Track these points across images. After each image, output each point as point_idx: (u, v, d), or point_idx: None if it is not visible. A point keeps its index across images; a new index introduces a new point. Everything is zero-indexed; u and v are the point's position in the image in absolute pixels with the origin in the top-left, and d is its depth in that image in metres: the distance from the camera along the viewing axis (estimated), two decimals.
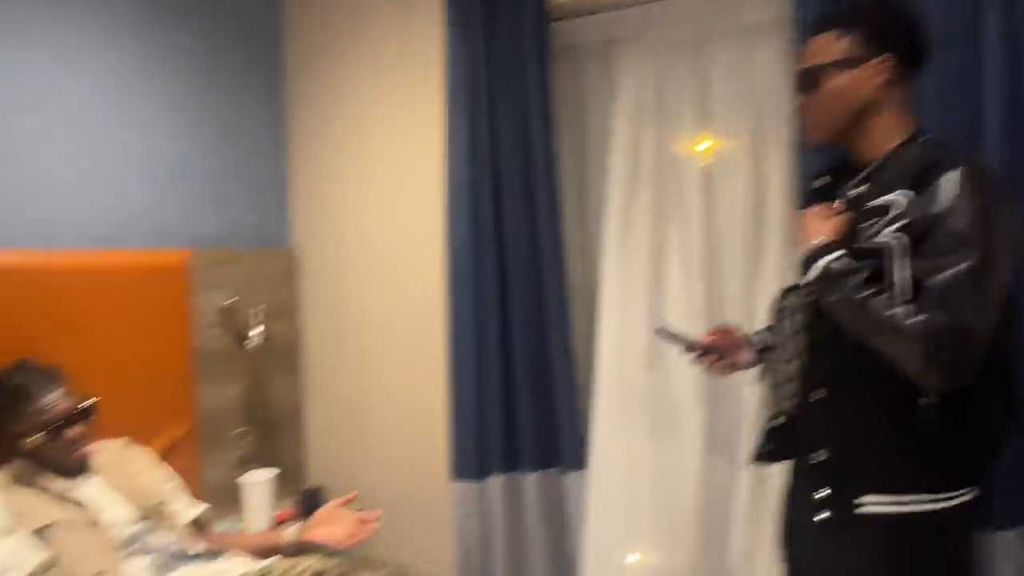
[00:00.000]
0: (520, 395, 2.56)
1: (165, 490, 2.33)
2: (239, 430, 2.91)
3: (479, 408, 2.55)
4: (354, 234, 3.00)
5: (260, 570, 2.05)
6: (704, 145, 2.44)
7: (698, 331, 2.28)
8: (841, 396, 1.58)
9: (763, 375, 1.83)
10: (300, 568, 2.05)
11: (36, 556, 1.94)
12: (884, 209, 1.49)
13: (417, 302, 2.83)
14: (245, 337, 2.86)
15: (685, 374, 2.40)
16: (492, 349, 2.54)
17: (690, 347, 1.84)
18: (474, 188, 2.54)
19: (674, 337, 1.84)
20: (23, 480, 2.09)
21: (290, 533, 2.32)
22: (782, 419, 1.71)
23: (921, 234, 1.41)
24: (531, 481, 2.56)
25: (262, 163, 3.06)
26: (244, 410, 2.94)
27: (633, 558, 2.42)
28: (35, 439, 2.10)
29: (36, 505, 2.03)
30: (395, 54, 2.86)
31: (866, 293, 1.45)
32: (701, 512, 2.39)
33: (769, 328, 1.83)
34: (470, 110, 2.52)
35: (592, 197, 2.65)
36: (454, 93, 2.54)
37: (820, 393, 1.61)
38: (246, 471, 2.76)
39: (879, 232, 1.47)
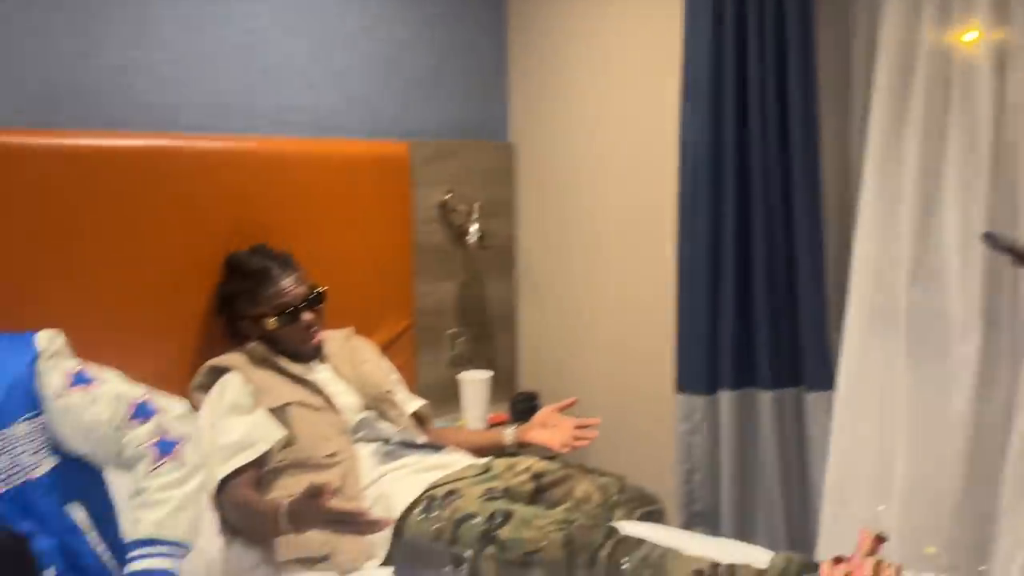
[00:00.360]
0: (758, 305, 2.39)
1: (389, 380, 2.36)
2: (453, 330, 2.90)
3: (710, 317, 2.41)
4: (575, 129, 2.88)
5: (484, 465, 2.06)
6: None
7: (977, 251, 2.03)
8: None
9: None
10: (521, 467, 2.05)
11: (277, 432, 2.00)
12: None
13: (642, 202, 2.71)
14: (463, 234, 2.83)
15: (960, 289, 2.12)
16: (728, 253, 2.39)
17: None
18: (715, 84, 2.36)
19: (1007, 245, 1.55)
20: (261, 361, 2.14)
21: (509, 434, 2.33)
22: None
23: None
24: (767, 399, 2.40)
25: (481, 52, 2.96)
26: (459, 310, 2.92)
27: (881, 507, 2.20)
28: (274, 321, 2.15)
29: (275, 385, 2.09)
30: None
31: None
32: (967, 455, 2.11)
33: None
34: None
35: (855, 96, 2.39)
36: None
37: None
38: (458, 372, 2.76)
39: None
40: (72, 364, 1.68)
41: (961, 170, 2.13)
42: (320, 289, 2.22)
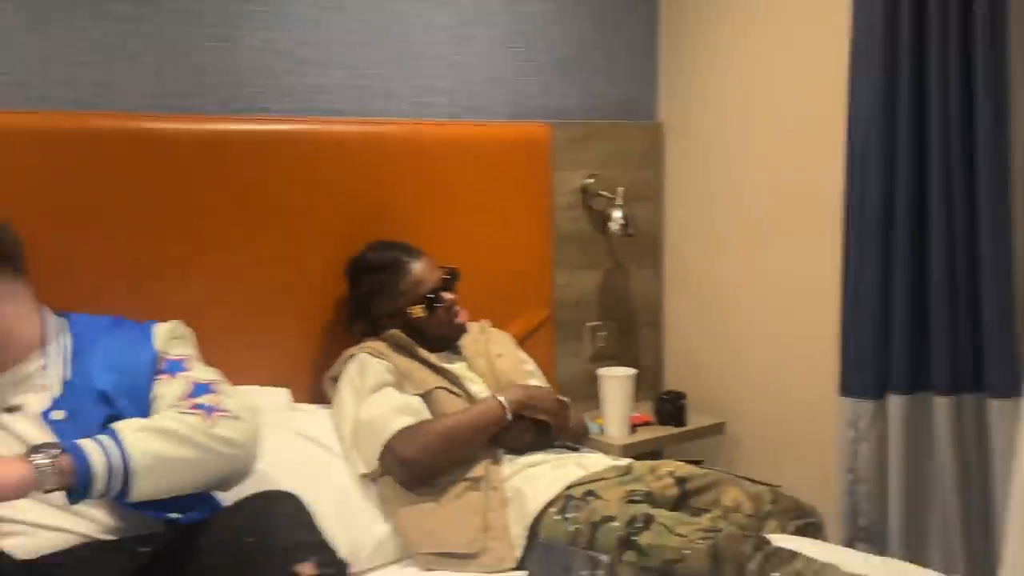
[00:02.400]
0: (935, 301, 2.28)
1: (526, 373, 2.37)
2: (595, 323, 2.91)
3: (881, 313, 2.34)
4: (730, 107, 2.82)
5: (625, 467, 2.06)
6: None
7: None
8: None
9: None
10: (664, 470, 2.03)
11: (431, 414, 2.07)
12: None
13: (804, 188, 2.64)
14: (606, 220, 2.81)
15: None
16: (901, 243, 2.31)
17: None
18: (888, 56, 2.28)
19: None
20: (401, 348, 2.20)
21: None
22: None
23: None
24: (943, 405, 2.30)
25: (630, 25, 2.93)
26: (601, 302, 2.93)
27: None
28: (420, 308, 2.22)
29: (416, 371, 2.15)
30: None
31: None
32: None
33: None
34: None
35: None
36: None
37: None
38: (599, 368, 2.73)
39: None
40: (183, 350, 1.74)
41: None
42: (453, 267, 2.29)
